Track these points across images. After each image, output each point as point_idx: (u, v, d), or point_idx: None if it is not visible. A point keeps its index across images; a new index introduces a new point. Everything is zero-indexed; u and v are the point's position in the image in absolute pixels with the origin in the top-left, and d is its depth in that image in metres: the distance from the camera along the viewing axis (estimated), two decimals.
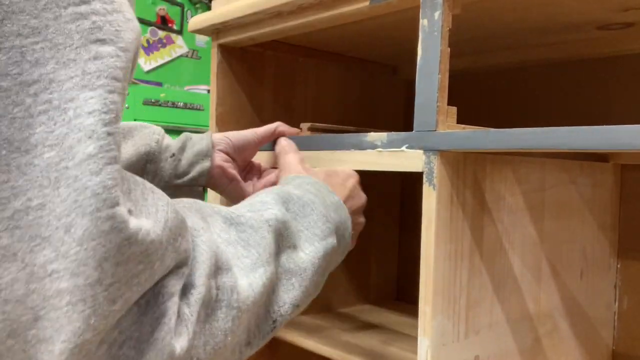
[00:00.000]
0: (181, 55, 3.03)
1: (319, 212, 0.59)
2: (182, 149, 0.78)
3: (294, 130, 0.85)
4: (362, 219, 0.73)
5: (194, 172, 0.77)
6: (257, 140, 0.82)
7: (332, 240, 0.59)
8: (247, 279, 0.46)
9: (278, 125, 0.84)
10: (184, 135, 0.81)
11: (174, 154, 0.77)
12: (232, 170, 0.79)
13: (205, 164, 0.77)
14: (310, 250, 0.56)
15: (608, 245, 0.95)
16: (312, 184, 0.63)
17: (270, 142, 0.85)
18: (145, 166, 0.76)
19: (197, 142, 0.79)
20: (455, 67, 0.70)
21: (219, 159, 0.78)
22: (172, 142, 0.80)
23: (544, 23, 0.87)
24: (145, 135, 0.79)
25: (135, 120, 1.98)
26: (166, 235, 0.37)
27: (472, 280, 0.70)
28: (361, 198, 0.72)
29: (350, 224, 0.65)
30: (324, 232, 0.58)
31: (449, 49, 0.66)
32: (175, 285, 0.39)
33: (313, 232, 0.57)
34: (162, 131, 0.82)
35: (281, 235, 0.53)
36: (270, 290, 0.50)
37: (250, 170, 0.85)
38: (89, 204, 0.32)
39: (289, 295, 0.52)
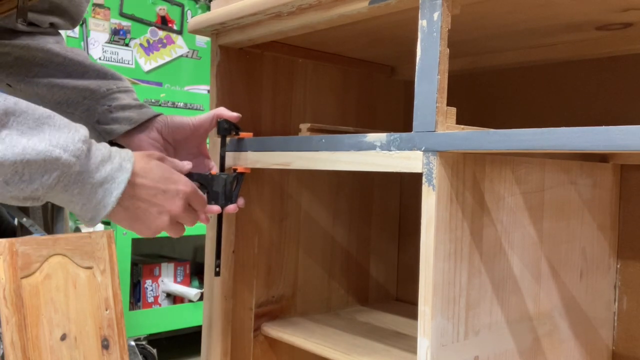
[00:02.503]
0: (181, 55, 3.03)
1: (73, 135, 0.64)
2: (122, 108, 0.88)
3: (234, 115, 0.90)
4: (160, 216, 0.73)
5: (109, 129, 0.88)
6: (192, 125, 0.88)
7: (61, 153, 0.62)
8: None
9: (218, 110, 0.90)
10: (145, 104, 0.91)
11: (111, 106, 0.88)
12: (152, 148, 0.88)
13: (122, 128, 0.87)
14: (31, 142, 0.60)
15: (608, 245, 0.95)
16: (121, 156, 0.69)
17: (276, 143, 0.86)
18: (84, 101, 0.89)
19: (138, 112, 0.88)
20: (454, 67, 0.70)
21: (147, 135, 0.88)
22: (125, 99, 0.90)
23: (543, 23, 0.87)
24: (110, 82, 0.91)
25: None
26: None
27: (472, 281, 0.70)
28: (173, 204, 0.74)
29: (124, 185, 0.67)
30: (62, 144, 0.62)
31: (448, 50, 0.66)
32: None
33: (50, 139, 0.62)
34: (130, 89, 0.92)
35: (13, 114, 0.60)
36: None
37: (197, 158, 0.93)
38: None
39: None
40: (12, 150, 0.59)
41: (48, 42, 0.91)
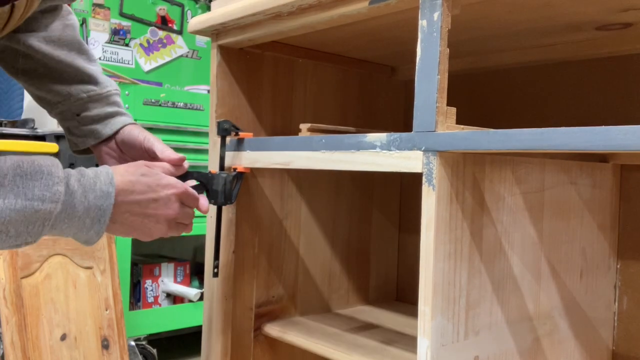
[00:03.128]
0: (181, 55, 3.03)
1: (47, 181, 0.64)
2: (90, 121, 0.90)
3: (176, 157, 0.88)
4: (157, 225, 0.75)
5: (75, 140, 0.91)
6: (143, 147, 0.89)
7: (39, 205, 0.63)
8: None
9: (164, 152, 0.88)
10: (116, 112, 0.92)
11: (79, 115, 0.90)
12: (109, 158, 0.91)
13: (87, 142, 0.90)
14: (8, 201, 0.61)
15: (608, 245, 0.95)
16: (97, 174, 0.70)
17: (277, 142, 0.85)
18: (58, 104, 0.90)
19: (104, 125, 0.90)
20: (454, 67, 0.70)
21: (107, 146, 0.90)
22: (95, 109, 0.91)
23: (543, 23, 0.87)
24: (87, 87, 0.92)
25: (135, 120, 1.98)
26: None
27: (472, 281, 0.70)
28: (167, 209, 0.75)
29: (110, 210, 0.69)
30: (38, 196, 0.63)
31: (448, 50, 0.66)
32: None
33: (25, 192, 0.62)
34: (104, 95, 0.93)
35: None
36: None
37: None
38: None
39: None
40: None
41: (37, 37, 0.90)
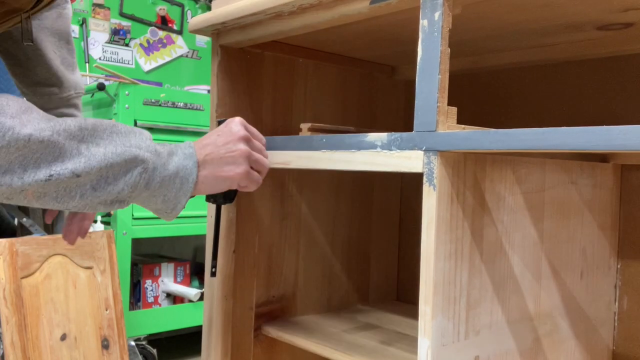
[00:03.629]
0: (181, 55, 3.03)
1: (142, 137, 0.71)
2: None
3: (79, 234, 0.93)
4: (236, 164, 0.78)
5: None
6: None
7: (137, 151, 0.69)
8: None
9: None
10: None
11: None
12: None
13: None
14: (107, 149, 0.67)
15: (608, 245, 0.95)
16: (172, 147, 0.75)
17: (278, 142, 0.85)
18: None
19: None
20: (455, 67, 0.71)
21: None
22: (55, 112, 0.98)
23: (544, 23, 0.87)
24: (47, 93, 0.97)
25: (135, 120, 1.98)
26: None
27: (472, 281, 0.70)
28: (237, 147, 0.78)
29: (195, 169, 0.74)
30: (136, 144, 0.70)
31: (449, 50, 0.66)
32: None
33: (124, 141, 0.69)
34: (74, 104, 1.02)
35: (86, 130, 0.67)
36: (54, 151, 0.63)
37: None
38: None
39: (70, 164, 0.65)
40: (95, 158, 0.66)
41: (33, 23, 0.93)
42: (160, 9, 3.00)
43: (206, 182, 0.75)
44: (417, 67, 0.67)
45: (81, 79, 1.05)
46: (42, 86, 0.95)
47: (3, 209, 1.90)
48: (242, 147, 0.78)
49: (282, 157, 0.86)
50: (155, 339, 2.17)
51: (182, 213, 2.25)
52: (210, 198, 0.90)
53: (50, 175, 0.64)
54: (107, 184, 0.67)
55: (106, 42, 2.80)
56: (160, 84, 2.77)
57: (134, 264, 2.13)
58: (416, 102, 0.67)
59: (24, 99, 0.75)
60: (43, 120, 0.64)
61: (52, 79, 0.96)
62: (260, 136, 0.84)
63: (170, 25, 3.02)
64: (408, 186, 1.30)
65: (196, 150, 0.75)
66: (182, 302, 2.25)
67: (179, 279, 2.28)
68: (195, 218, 2.17)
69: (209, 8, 2.74)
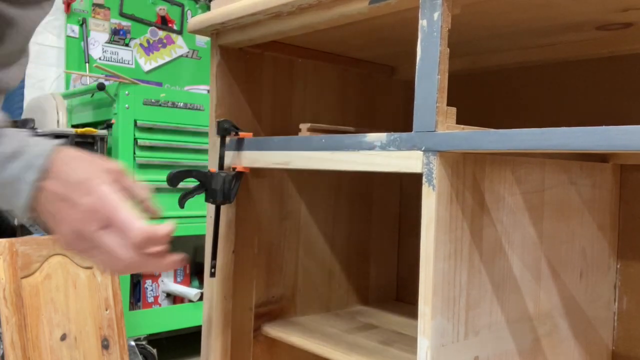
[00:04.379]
0: (181, 55, 3.03)
1: None
2: None
3: None
4: (62, 224, 0.59)
5: None
6: None
7: None
8: None
9: None
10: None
11: None
12: None
13: None
14: None
15: (607, 245, 0.95)
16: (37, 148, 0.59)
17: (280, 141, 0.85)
18: None
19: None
20: (454, 67, 0.70)
21: None
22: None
23: (543, 23, 0.87)
24: None
25: (135, 120, 1.98)
26: None
27: (472, 281, 0.70)
28: (71, 214, 0.58)
29: (28, 192, 0.57)
30: None
31: (448, 50, 0.66)
32: None
33: None
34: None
35: None
36: None
37: None
38: None
39: None
40: None
41: None
42: (160, 9, 3.00)
43: (44, 216, 0.60)
44: (417, 67, 0.67)
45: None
46: None
47: None
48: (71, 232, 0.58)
49: (281, 157, 0.86)
50: (155, 339, 2.17)
51: (182, 213, 2.25)
52: (209, 198, 0.90)
53: None
54: None
55: (106, 42, 2.80)
56: (160, 84, 2.77)
57: None
58: (415, 102, 0.67)
59: None
60: None
61: None
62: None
63: (170, 25, 3.02)
64: (407, 186, 1.30)
65: (47, 170, 0.58)
66: (182, 302, 2.25)
67: (179, 279, 2.28)
68: (195, 218, 2.17)
69: (209, 8, 2.75)
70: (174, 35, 3.03)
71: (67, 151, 0.61)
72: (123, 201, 0.59)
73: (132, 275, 2.08)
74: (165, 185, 0.92)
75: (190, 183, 0.88)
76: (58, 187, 0.58)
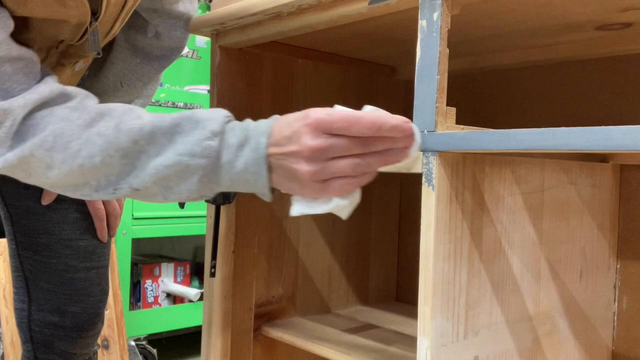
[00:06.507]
0: (181, 55, 3.03)
1: (199, 136, 0.64)
2: None
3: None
4: (298, 165, 0.62)
5: None
6: None
7: (189, 160, 0.64)
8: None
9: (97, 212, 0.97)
10: None
11: None
12: None
13: None
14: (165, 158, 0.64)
15: (607, 245, 0.95)
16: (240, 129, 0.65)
17: None
18: None
19: None
20: (454, 67, 0.70)
21: None
22: None
23: (543, 23, 0.87)
24: None
25: None
26: None
27: (472, 281, 0.70)
28: (300, 144, 0.62)
29: (263, 162, 0.63)
30: (188, 151, 0.64)
31: (447, 50, 0.66)
32: None
33: (177, 148, 0.64)
34: None
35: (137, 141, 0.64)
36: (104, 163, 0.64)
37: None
38: None
39: (127, 177, 0.65)
40: (148, 172, 0.64)
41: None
42: None
43: (282, 187, 0.66)
44: (416, 67, 0.67)
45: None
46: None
47: None
48: (305, 168, 0.61)
49: None
50: (155, 339, 2.18)
51: (182, 213, 2.24)
52: (208, 199, 0.91)
53: (115, 190, 0.66)
54: (170, 192, 0.65)
55: None
56: (160, 84, 2.76)
57: (134, 264, 2.13)
58: (415, 102, 0.67)
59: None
60: (97, 138, 0.64)
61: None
62: (358, 128, 0.64)
63: None
64: (407, 186, 1.30)
65: (269, 142, 0.63)
66: (182, 302, 2.25)
67: (179, 279, 2.28)
68: (195, 218, 2.17)
69: (208, 8, 2.74)
70: None
71: (278, 119, 0.66)
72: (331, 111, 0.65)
73: (132, 275, 2.08)
74: None
75: None
76: (280, 150, 0.63)
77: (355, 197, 0.64)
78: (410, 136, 0.63)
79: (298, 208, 0.66)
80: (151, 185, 0.65)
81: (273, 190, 0.66)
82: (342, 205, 0.64)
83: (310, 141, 0.61)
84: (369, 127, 0.62)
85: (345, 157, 0.62)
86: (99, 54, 0.83)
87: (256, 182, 0.64)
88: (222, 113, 0.66)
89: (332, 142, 0.62)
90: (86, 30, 0.78)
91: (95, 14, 0.76)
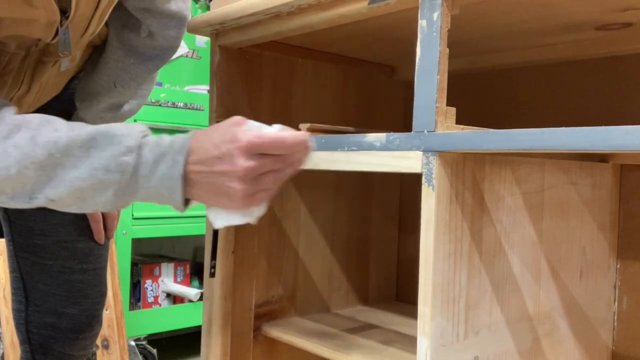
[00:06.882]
0: (181, 55, 3.03)
1: (114, 151, 0.66)
2: None
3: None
4: (231, 182, 0.65)
5: None
6: None
7: (103, 175, 0.66)
8: None
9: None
10: None
11: None
12: None
13: None
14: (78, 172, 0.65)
15: (607, 245, 0.95)
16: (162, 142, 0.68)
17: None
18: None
19: None
20: (454, 67, 0.70)
21: None
22: None
23: (543, 23, 0.87)
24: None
25: (135, 120, 1.98)
26: None
27: (472, 281, 0.70)
28: (234, 165, 0.64)
29: (179, 179, 0.66)
30: (103, 165, 0.66)
31: (447, 50, 0.66)
32: None
33: (92, 162, 0.66)
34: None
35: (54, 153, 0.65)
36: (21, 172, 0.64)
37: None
38: None
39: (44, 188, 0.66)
40: (64, 184, 0.65)
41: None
42: None
43: (203, 201, 0.68)
44: (416, 67, 0.67)
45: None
46: (102, 110, 0.99)
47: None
48: (239, 186, 0.64)
49: None
50: (155, 339, 2.17)
51: (182, 213, 2.24)
52: None
53: (30, 199, 0.67)
54: (85, 203, 0.67)
55: None
56: (160, 84, 2.76)
57: (134, 264, 2.13)
58: (415, 102, 0.67)
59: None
60: (13, 150, 0.65)
61: (112, 106, 0.99)
62: (282, 148, 0.66)
63: None
64: (407, 186, 1.30)
65: (187, 157, 0.66)
66: (182, 302, 2.25)
67: (179, 279, 2.28)
68: (195, 218, 2.17)
69: (208, 8, 2.74)
70: None
71: (197, 133, 0.68)
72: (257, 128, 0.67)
73: (132, 275, 2.08)
74: None
75: None
76: (209, 169, 0.66)
77: (266, 204, 0.71)
78: (308, 147, 0.69)
79: (221, 221, 0.70)
80: (66, 197, 0.66)
81: (187, 202, 0.69)
82: (259, 214, 0.70)
83: (244, 162, 0.65)
84: (291, 147, 0.67)
85: (269, 173, 0.67)
86: (68, 53, 0.83)
87: (171, 196, 0.67)
88: (138, 128, 0.68)
89: (262, 162, 0.66)
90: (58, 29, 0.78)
91: (65, 12, 0.76)
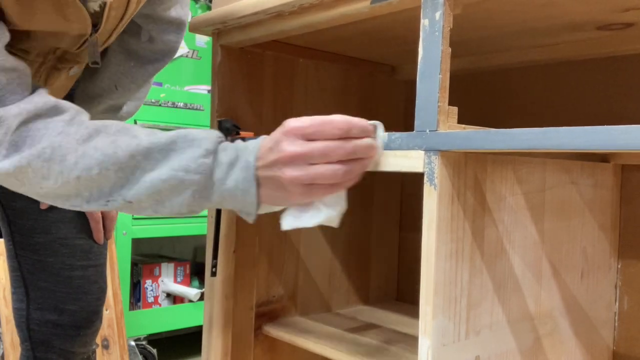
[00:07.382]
0: (181, 55, 3.03)
1: (194, 154, 0.67)
2: None
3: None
4: (281, 172, 0.65)
5: None
6: None
7: (183, 175, 0.66)
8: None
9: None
10: None
11: None
12: None
13: None
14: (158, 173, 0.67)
15: (608, 245, 0.95)
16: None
17: None
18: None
19: None
20: (455, 67, 0.70)
21: None
22: None
23: (544, 23, 0.87)
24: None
25: (135, 121, 1.98)
26: None
27: (473, 281, 0.70)
28: (280, 152, 0.65)
29: (252, 179, 0.67)
30: (183, 166, 0.67)
31: (450, 49, 0.66)
32: None
33: (172, 164, 0.67)
34: None
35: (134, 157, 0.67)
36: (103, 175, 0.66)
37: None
38: None
39: (123, 191, 0.67)
40: (143, 185, 0.67)
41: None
42: None
43: (269, 201, 0.68)
44: (418, 66, 0.67)
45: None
46: (102, 111, 1.01)
47: None
48: (288, 173, 0.64)
49: None
50: (155, 339, 2.17)
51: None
52: None
53: (107, 202, 0.68)
54: (164, 206, 0.68)
55: None
56: (160, 84, 2.76)
57: (134, 264, 2.13)
58: (417, 101, 0.67)
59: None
60: (94, 152, 0.66)
61: (115, 107, 1.01)
62: (330, 128, 0.65)
63: None
64: (408, 186, 1.30)
65: (257, 158, 0.67)
66: (182, 302, 2.25)
67: (179, 279, 2.28)
68: (195, 218, 2.17)
69: (209, 8, 2.74)
70: None
71: (265, 137, 0.69)
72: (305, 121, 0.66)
73: (132, 275, 2.08)
74: None
75: None
76: (265, 162, 0.66)
77: (342, 205, 0.69)
78: (371, 135, 0.68)
79: (288, 222, 0.70)
80: (144, 199, 0.67)
81: (257, 206, 0.69)
82: (332, 216, 0.69)
83: (288, 147, 0.65)
84: (341, 127, 0.65)
85: (326, 164, 0.65)
86: (97, 63, 0.85)
87: (244, 198, 0.67)
88: (215, 134, 0.70)
89: (309, 146, 0.65)
90: (85, 40, 0.81)
91: (95, 26, 0.79)
